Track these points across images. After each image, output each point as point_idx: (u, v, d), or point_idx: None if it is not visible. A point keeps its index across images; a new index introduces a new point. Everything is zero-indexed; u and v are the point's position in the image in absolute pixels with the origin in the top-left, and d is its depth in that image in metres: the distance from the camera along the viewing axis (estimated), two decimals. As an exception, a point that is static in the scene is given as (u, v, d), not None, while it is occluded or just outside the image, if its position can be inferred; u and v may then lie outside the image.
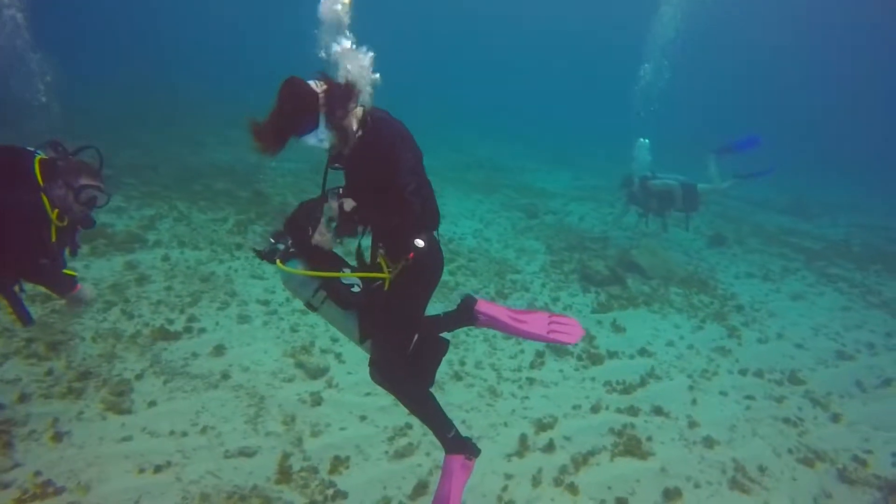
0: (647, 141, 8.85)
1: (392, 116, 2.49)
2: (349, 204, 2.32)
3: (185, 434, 3.56)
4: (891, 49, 30.07)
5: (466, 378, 4.64)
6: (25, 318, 3.10)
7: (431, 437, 3.81)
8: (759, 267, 8.45)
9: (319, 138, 2.30)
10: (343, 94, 2.26)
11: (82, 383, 3.88)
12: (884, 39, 29.68)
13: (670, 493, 3.50)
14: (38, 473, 3.02)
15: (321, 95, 2.25)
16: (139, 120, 12.84)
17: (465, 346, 5.14)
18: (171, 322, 4.85)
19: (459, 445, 2.75)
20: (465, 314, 2.89)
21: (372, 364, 2.70)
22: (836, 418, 4.56)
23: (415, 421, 3.96)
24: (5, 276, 3.01)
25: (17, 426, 3.36)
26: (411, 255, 2.34)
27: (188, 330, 4.79)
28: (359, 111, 2.39)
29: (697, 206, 8.62)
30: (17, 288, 3.12)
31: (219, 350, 4.55)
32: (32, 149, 3.03)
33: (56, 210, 3.01)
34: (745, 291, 7.34)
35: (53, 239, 3.06)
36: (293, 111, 2.23)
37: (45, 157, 3.03)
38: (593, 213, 10.94)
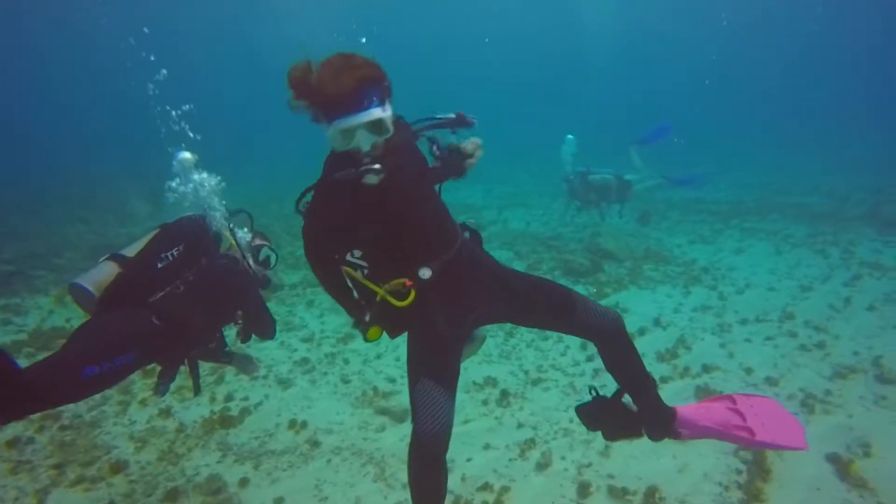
0: (572, 137, 9.54)
1: None
2: None
3: (320, 510, 3.20)
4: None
5: (541, 383, 4.68)
6: (198, 388, 3.06)
7: (557, 441, 3.84)
8: (693, 234, 9.49)
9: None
10: None
11: (163, 493, 3.32)
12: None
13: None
14: None
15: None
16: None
17: (516, 354, 5.19)
18: (210, 405, 4.30)
19: None
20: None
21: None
22: (838, 337, 5.29)
23: (531, 431, 3.94)
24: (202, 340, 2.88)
25: (132, 558, 2.80)
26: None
27: (236, 408, 4.29)
28: None
29: (628, 197, 9.43)
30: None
31: (286, 421, 4.14)
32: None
33: None
34: (698, 255, 8.21)
35: None
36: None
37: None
38: (532, 216, 11.47)
